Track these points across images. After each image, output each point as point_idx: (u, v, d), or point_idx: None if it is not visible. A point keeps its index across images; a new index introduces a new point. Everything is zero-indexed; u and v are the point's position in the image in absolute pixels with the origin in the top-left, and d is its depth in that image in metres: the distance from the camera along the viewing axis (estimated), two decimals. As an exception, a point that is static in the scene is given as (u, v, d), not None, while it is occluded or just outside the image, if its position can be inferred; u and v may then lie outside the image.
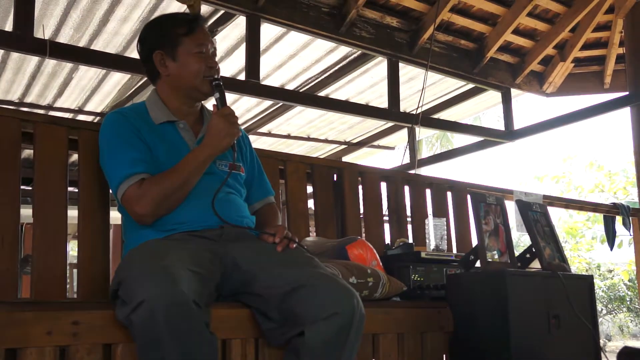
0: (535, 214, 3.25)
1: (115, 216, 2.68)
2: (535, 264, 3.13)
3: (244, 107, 6.96)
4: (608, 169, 15.11)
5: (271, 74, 6.26)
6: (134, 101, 6.28)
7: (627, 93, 5.71)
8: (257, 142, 7.69)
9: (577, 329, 2.94)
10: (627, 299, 14.31)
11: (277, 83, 6.41)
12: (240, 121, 3.17)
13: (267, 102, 6.81)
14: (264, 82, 5.67)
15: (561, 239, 14.44)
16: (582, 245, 14.82)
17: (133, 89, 6.39)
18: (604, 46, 6.46)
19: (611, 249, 5.54)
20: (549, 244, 3.18)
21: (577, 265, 14.15)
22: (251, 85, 4.88)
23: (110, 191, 2.55)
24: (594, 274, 14.42)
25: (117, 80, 6.23)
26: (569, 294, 2.96)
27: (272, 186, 2.91)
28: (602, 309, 14.83)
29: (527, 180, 16.86)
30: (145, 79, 3.70)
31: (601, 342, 15.83)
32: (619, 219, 5.21)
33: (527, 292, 2.81)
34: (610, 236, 5.28)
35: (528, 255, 3.14)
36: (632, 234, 5.30)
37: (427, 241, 3.62)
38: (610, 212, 5.33)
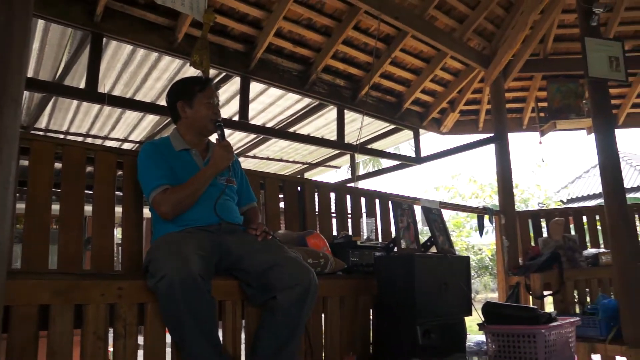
0: (434, 215, 3.24)
1: (146, 212, 2.62)
2: (433, 249, 3.13)
3: (237, 138, 6.90)
4: (481, 182, 15.31)
5: (257, 116, 6.22)
6: (162, 135, 6.22)
7: (492, 134, 5.76)
8: (245, 162, 7.63)
9: (458, 291, 2.93)
10: (490, 267, 14.75)
11: (260, 122, 6.38)
12: (234, 147, 3.16)
13: (253, 135, 6.78)
14: (251, 122, 5.63)
15: (450, 230, 14.59)
16: (463, 233, 15.01)
17: (161, 126, 6.34)
18: (479, 103, 6.51)
19: (481, 236, 5.59)
20: (442, 235, 3.17)
21: (460, 246, 14.35)
22: (242, 124, 4.83)
23: (144, 195, 2.50)
24: (470, 252, 14.68)
25: (151, 119, 6.18)
26: (454, 268, 2.95)
27: (255, 195, 2.87)
28: (474, 274, 15.18)
29: (429, 190, 17.05)
30: (169, 119, 3.65)
31: (472, 295, 16.27)
32: (486, 217, 5.24)
33: (427, 268, 2.80)
34: (481, 227, 5.31)
35: (428, 243, 3.13)
36: (494, 226, 5.34)
37: (362, 233, 3.60)
38: (481, 212, 5.37)
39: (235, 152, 2.62)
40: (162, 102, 3.31)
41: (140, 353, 2.12)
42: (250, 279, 2.34)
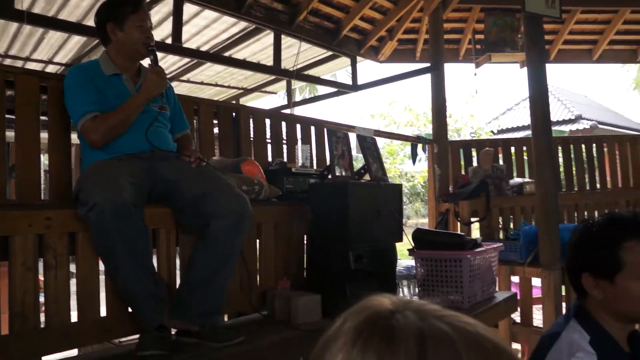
0: (368, 143, 3.28)
1: (75, 138, 2.52)
2: (367, 177, 3.18)
3: (170, 62, 6.65)
4: (416, 111, 15.53)
5: (190, 39, 5.99)
6: (90, 58, 5.90)
7: (429, 64, 5.80)
8: (179, 87, 7.40)
9: (390, 218, 3.01)
10: (421, 194, 15.21)
11: (194, 46, 6.16)
12: (167, 72, 3.04)
13: (187, 59, 6.56)
14: (185, 45, 5.44)
15: (384, 157, 14.88)
16: (397, 161, 15.31)
17: (89, 48, 6.01)
18: (417, 32, 6.50)
19: (414, 164, 5.73)
20: (376, 163, 3.22)
21: (393, 173, 14.69)
22: (175, 47, 4.67)
23: (72, 122, 2.41)
24: (403, 179, 15.08)
25: (77, 40, 5.84)
26: (386, 196, 3.03)
27: (188, 121, 2.81)
28: (406, 200, 15.65)
29: (365, 117, 17.18)
30: (98, 41, 3.47)
31: (404, 220, 16.78)
32: (420, 145, 5.36)
33: (361, 195, 2.85)
34: (414, 155, 5.44)
35: (362, 171, 3.18)
36: (426, 154, 5.49)
37: (297, 160, 3.61)
38: (414, 141, 5.49)
39: (168, 77, 2.54)
40: (90, 22, 3.12)
41: (73, 282, 2.11)
42: (184, 206, 2.33)
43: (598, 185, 5.70)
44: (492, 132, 15.50)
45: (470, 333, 0.55)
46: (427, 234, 3.08)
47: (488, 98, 37.11)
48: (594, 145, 5.85)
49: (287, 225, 3.04)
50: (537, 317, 4.62)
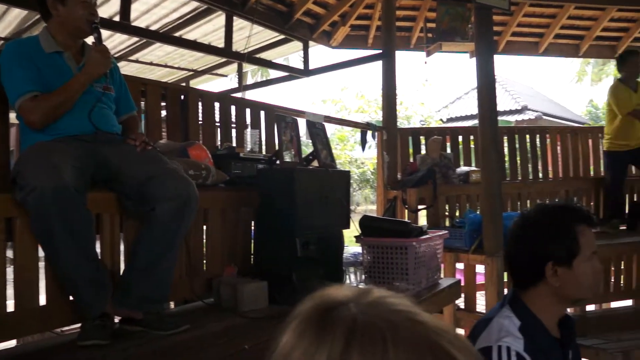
0: (317, 129, 3.27)
1: (13, 118, 2.42)
2: (315, 163, 3.18)
3: (117, 40, 6.38)
4: (368, 98, 15.60)
5: (139, 17, 5.82)
6: (31, 33, 5.64)
7: (381, 51, 5.83)
8: (126, 67, 7.17)
9: (338, 204, 3.03)
10: (371, 181, 15.37)
11: (143, 24, 5.97)
12: (113, 51, 2.96)
13: (135, 38, 6.34)
14: (133, 23, 5.28)
15: (335, 143, 14.95)
16: (347, 147, 15.37)
17: (30, 22, 5.74)
18: (370, 19, 6.52)
19: (363, 151, 5.75)
20: (325, 149, 3.23)
21: (343, 159, 14.78)
22: (123, 25, 4.53)
23: (9, 101, 2.30)
24: (353, 165, 15.19)
25: (17, 14, 5.56)
26: (334, 182, 3.03)
27: (135, 103, 2.73)
28: (355, 187, 15.76)
29: (317, 103, 17.16)
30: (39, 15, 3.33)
31: (353, 207, 16.94)
32: (369, 132, 5.39)
33: (308, 181, 2.85)
34: (363, 142, 5.46)
35: (311, 157, 3.18)
36: (376, 141, 5.53)
37: (245, 145, 3.58)
38: (364, 127, 5.52)
39: (114, 56, 2.46)
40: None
41: (10, 269, 2.04)
42: (128, 191, 2.28)
43: (540, 175, 5.88)
44: (441, 120, 15.74)
45: (406, 329, 0.55)
46: (373, 221, 3.11)
47: (439, 86, 37.69)
48: (538, 135, 6.02)
49: (234, 211, 3.01)
50: (481, 303, 4.75)
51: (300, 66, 7.02)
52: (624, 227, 5.08)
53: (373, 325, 0.55)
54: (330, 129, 15.48)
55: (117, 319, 2.24)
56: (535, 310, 1.68)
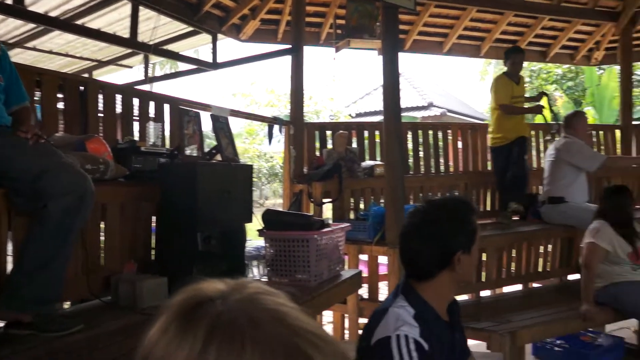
0: (220, 123, 3.24)
1: None
2: (219, 157, 3.15)
3: (11, 26, 5.97)
4: (278, 92, 15.56)
5: (37, 2, 5.50)
6: None
7: (290, 46, 5.84)
8: (23, 55, 6.77)
9: (240, 198, 3.02)
10: (280, 175, 15.45)
11: (42, 10, 5.64)
12: (6, 37, 2.78)
13: (33, 24, 5.98)
14: (29, 8, 4.97)
15: (244, 137, 14.86)
16: (257, 141, 15.27)
17: None
18: (280, 13, 6.50)
19: (269, 144, 5.77)
20: (228, 143, 3.20)
21: (252, 153, 14.71)
22: (17, 10, 4.26)
23: None
24: (262, 159, 15.13)
25: None
26: (237, 176, 3.02)
27: (28, 93, 2.59)
28: (264, 181, 15.74)
29: (226, 96, 16.92)
30: None
31: (262, 201, 16.91)
32: (276, 126, 5.41)
33: (211, 175, 2.83)
34: (270, 136, 5.47)
35: (214, 151, 3.15)
36: (283, 135, 5.55)
37: (148, 139, 3.48)
38: (271, 121, 5.52)
39: (7, 43, 2.32)
40: None
41: None
42: (19, 186, 2.16)
43: (442, 169, 6.11)
44: (350, 115, 15.98)
45: (267, 328, 0.55)
46: (276, 215, 3.12)
47: (349, 82, 38.28)
48: (440, 131, 6.26)
49: (134, 206, 2.93)
50: (384, 293, 4.89)
51: (210, 59, 6.91)
52: (517, 218, 5.36)
53: (234, 322, 0.55)
54: (240, 123, 15.32)
55: (1, 323, 2.12)
56: (428, 298, 1.79)
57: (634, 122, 7.59)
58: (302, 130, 5.41)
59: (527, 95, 5.91)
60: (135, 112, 3.78)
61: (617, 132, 7.38)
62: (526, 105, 5.68)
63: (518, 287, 5.27)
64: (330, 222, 3.52)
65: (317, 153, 5.53)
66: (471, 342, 4.05)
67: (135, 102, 3.80)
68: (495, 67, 18.29)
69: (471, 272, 1.92)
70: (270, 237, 2.96)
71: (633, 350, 4.22)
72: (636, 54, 7.65)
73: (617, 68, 10.22)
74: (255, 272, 3.06)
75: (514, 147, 5.34)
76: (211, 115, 3.32)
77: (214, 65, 6.60)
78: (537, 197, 5.47)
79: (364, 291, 4.78)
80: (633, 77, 8.07)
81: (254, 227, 3.15)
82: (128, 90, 3.88)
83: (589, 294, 3.93)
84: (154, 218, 3.00)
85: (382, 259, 4.65)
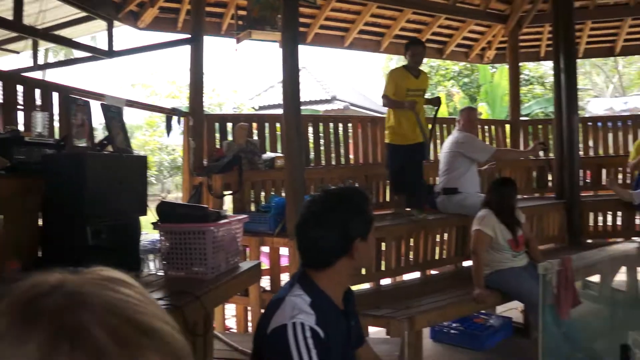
0: (112, 112, 3.11)
1: None
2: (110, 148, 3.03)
3: None
4: (179, 83, 15.22)
5: None
6: None
7: (190, 35, 5.72)
8: None
9: (134, 190, 2.91)
10: (182, 167, 15.15)
11: None
12: None
13: None
14: None
15: (144, 129, 14.42)
16: (157, 133, 14.89)
17: None
18: (179, 2, 6.33)
19: (168, 136, 5.65)
20: (120, 133, 3.08)
21: (152, 146, 14.31)
22: None
23: None
24: (163, 152, 14.78)
25: None
26: (130, 168, 2.92)
27: None
28: (167, 174, 15.38)
29: (125, 87, 16.32)
30: None
31: (164, 194, 16.52)
32: (175, 118, 5.29)
33: (101, 167, 2.70)
34: (169, 128, 5.34)
35: (105, 142, 3.02)
36: (181, 127, 5.44)
37: (33, 129, 3.29)
38: (169, 113, 5.39)
39: None
40: None
41: None
42: None
43: (343, 161, 6.22)
44: (253, 108, 15.91)
45: (104, 320, 0.53)
46: (171, 207, 3.05)
47: (254, 74, 38.05)
48: (341, 124, 6.37)
49: (18, 200, 2.75)
50: (285, 284, 4.91)
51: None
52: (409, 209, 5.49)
53: (75, 319, 0.52)
54: (141, 115, 14.85)
55: None
56: (324, 286, 1.82)
57: (521, 118, 8.12)
58: (201, 121, 5.32)
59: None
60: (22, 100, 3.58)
61: (507, 127, 7.84)
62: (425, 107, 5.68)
63: (417, 274, 5.48)
64: (230, 214, 3.49)
65: (217, 145, 5.47)
66: (372, 329, 4.20)
67: (20, 90, 3.59)
68: (397, 63, 18.85)
69: (368, 259, 1.98)
70: (165, 229, 2.88)
71: (520, 329, 4.51)
72: (522, 54, 8.17)
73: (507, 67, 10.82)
74: (151, 266, 2.98)
75: (414, 152, 5.35)
76: (101, 104, 3.18)
77: (110, 53, 6.32)
78: (434, 187, 5.70)
79: (266, 283, 4.79)
80: (521, 76, 8.63)
81: (150, 221, 3.06)
82: (10, 77, 3.65)
83: (479, 278, 4.19)
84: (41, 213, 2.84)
85: (284, 251, 4.68)
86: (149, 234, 3.30)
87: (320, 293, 1.80)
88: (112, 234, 2.71)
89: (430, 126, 5.74)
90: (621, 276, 5.39)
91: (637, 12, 7.54)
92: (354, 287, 3.12)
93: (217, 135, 5.55)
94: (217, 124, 5.55)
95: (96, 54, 6.44)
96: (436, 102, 5.83)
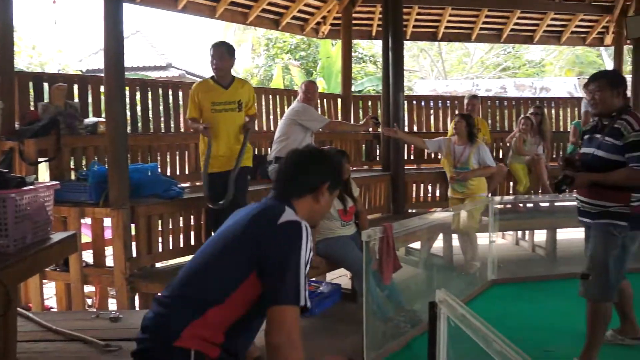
0: None
1: None
2: None
3: None
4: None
5: None
6: None
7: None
8: None
9: None
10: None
11: None
12: None
13: None
14: None
15: None
16: None
17: None
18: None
19: None
20: None
21: None
22: None
23: None
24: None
25: None
26: None
27: None
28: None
29: None
30: None
31: None
32: None
33: None
34: None
35: None
36: None
37: None
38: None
39: None
40: None
41: None
42: None
43: (172, 129, 5.99)
44: (81, 71, 14.75)
45: None
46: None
47: (82, 36, 35.28)
48: (171, 90, 6.10)
49: None
50: (111, 258, 4.62)
51: None
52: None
53: None
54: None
55: None
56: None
57: (353, 94, 8.43)
58: (11, 79, 4.72)
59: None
60: None
61: (340, 101, 8.10)
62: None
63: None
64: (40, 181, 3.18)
65: (31, 107, 4.95)
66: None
67: None
68: (236, 33, 18.60)
69: (321, 214, 2.16)
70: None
71: (348, 294, 4.69)
72: (355, 32, 8.47)
73: (341, 43, 11.13)
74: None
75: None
76: None
77: None
78: (266, 157, 5.71)
79: (88, 257, 4.50)
80: (355, 53, 8.90)
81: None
82: None
83: (310, 246, 4.28)
84: None
85: (108, 222, 4.38)
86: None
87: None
88: None
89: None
90: (439, 242, 5.91)
91: (458, 2, 8.17)
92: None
93: (32, 96, 5.03)
94: (31, 84, 5.02)
95: None
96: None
